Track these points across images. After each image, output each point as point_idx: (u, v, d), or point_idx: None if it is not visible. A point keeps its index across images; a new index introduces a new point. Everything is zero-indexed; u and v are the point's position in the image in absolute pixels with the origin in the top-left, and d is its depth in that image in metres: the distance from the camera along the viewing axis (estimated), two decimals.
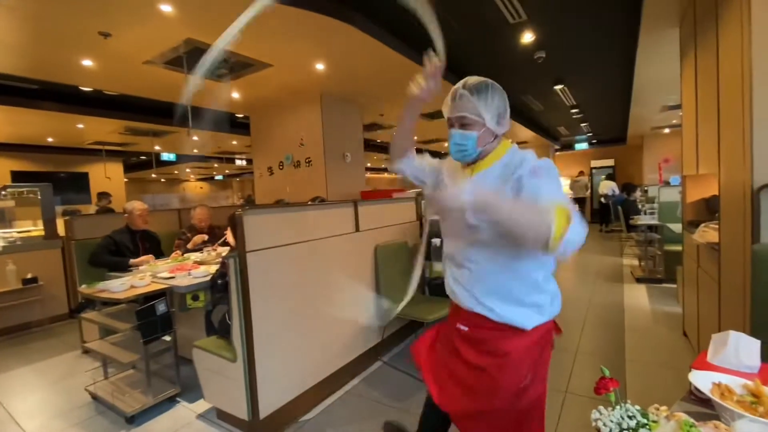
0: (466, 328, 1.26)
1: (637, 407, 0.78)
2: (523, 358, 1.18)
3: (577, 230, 0.90)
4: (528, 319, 1.16)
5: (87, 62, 3.91)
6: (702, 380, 0.90)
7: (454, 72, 5.00)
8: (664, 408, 0.80)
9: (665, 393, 2.27)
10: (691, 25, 2.64)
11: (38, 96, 5.33)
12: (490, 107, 1.14)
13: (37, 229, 4.68)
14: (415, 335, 3.37)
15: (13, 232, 4.59)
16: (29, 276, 4.02)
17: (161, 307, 2.37)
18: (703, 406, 0.91)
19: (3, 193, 4.62)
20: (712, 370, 0.97)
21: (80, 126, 6.87)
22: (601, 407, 0.80)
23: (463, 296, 1.24)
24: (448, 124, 1.20)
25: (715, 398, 0.83)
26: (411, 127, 1.35)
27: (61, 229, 4.32)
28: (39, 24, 3.11)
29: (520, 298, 1.16)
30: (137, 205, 3.31)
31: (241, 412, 2.04)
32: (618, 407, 0.78)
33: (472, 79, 1.17)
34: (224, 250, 3.18)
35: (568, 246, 0.89)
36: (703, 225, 2.38)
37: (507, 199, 1.04)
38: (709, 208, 2.76)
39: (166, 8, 2.92)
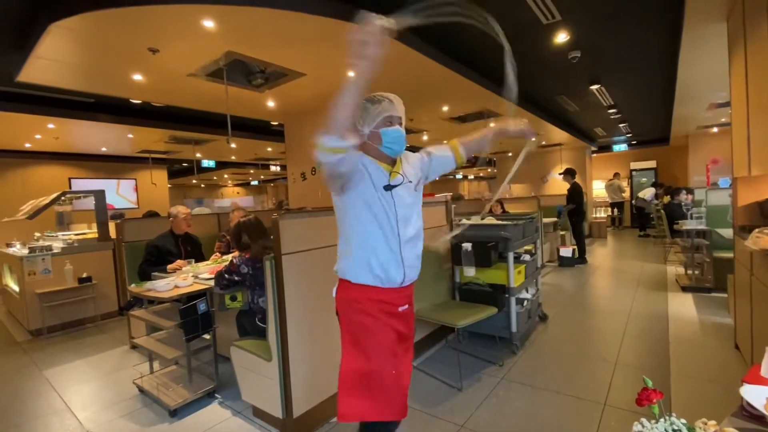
0: None
1: (683, 421, 0.75)
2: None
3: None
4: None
5: (137, 76, 4.20)
6: (755, 395, 0.86)
7: (486, 76, 4.96)
8: (712, 422, 0.77)
9: (714, 408, 2.12)
10: (740, 18, 2.50)
11: (94, 109, 5.76)
12: None
13: (91, 231, 5.05)
14: (446, 341, 3.35)
15: (71, 235, 4.98)
16: (84, 275, 4.34)
17: (202, 307, 2.49)
18: (757, 422, 0.87)
19: (63, 198, 5.02)
20: (766, 385, 0.92)
21: (130, 136, 7.35)
22: (644, 419, 0.77)
23: None
24: (393, 123, 1.36)
25: None
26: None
27: (112, 232, 4.63)
28: (95, 43, 3.37)
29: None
30: (181, 210, 3.51)
31: (276, 410, 2.11)
32: (662, 420, 0.75)
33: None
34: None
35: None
36: (756, 230, 2.23)
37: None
38: (763, 213, 2.58)
39: (209, 24, 3.09)
